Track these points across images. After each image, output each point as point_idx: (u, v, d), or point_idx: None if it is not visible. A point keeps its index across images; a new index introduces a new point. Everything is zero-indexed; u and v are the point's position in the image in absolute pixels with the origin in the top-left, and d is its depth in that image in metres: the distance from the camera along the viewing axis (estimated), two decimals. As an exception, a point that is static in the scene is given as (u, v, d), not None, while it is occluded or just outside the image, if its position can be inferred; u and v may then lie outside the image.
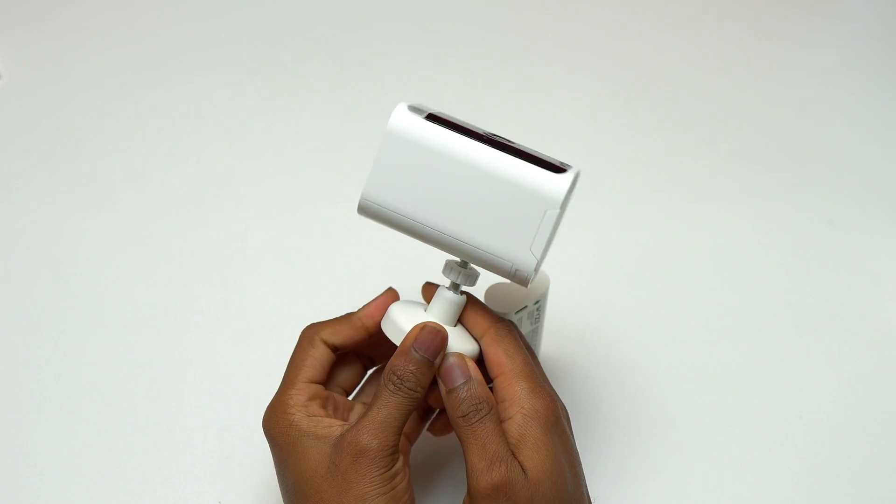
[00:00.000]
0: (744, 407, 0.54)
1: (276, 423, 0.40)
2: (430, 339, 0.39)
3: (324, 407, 0.41)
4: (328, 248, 0.64)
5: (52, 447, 0.51)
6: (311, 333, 0.42)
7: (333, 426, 0.39)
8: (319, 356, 0.41)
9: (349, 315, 0.43)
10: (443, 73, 0.81)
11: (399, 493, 0.38)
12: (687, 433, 0.53)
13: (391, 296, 0.43)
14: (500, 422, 0.38)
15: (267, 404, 0.41)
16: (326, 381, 0.42)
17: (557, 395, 0.40)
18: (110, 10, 0.88)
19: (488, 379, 0.41)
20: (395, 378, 0.38)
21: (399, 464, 0.38)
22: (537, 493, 0.37)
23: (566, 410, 0.41)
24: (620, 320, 0.59)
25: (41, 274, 0.62)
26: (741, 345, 0.58)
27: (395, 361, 0.39)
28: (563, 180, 0.37)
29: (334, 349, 0.42)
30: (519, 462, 0.37)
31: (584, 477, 0.41)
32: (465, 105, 0.78)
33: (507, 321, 0.41)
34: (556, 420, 0.39)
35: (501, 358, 0.39)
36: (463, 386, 0.38)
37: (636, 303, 0.60)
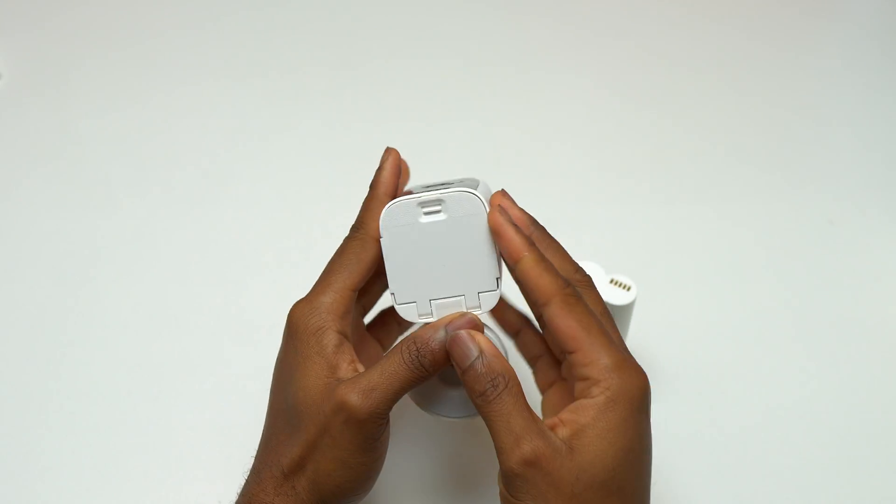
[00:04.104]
0: (743, 407, 0.54)
1: (307, 317, 0.38)
2: (465, 327, 0.37)
3: (352, 323, 0.39)
4: (329, 247, 0.63)
5: (52, 447, 0.51)
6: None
7: (347, 364, 0.37)
8: (366, 269, 0.39)
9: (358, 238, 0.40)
10: (443, 75, 0.81)
11: (378, 460, 0.37)
12: (686, 433, 0.53)
13: (395, 156, 0.41)
14: (523, 395, 0.35)
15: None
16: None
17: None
18: (110, 11, 0.88)
19: (532, 352, 0.39)
20: (414, 349, 0.36)
21: (382, 435, 0.37)
22: (584, 474, 0.33)
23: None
24: (620, 320, 0.59)
25: (41, 274, 0.62)
26: (741, 344, 0.58)
27: (421, 332, 0.37)
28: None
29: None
30: (571, 447, 0.34)
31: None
32: (465, 106, 0.78)
33: (572, 285, 0.36)
34: (643, 401, 0.35)
35: (575, 330, 0.35)
36: (476, 361, 0.35)
37: (636, 302, 0.60)
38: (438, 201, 0.37)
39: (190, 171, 0.70)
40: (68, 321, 0.59)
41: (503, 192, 0.39)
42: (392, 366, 0.36)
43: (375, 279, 0.43)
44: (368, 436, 0.36)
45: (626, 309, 0.50)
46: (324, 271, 0.40)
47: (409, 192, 0.40)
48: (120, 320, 0.59)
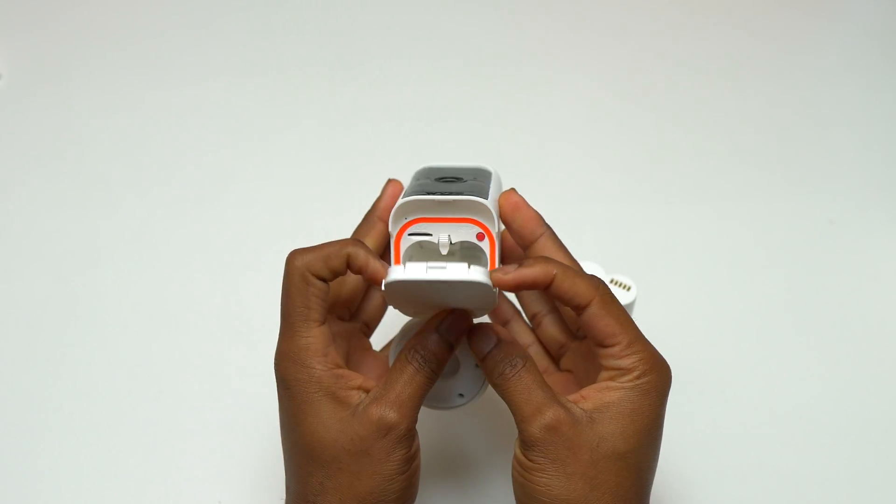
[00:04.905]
0: (743, 407, 0.54)
1: (292, 372, 0.37)
2: (457, 325, 0.39)
3: (338, 353, 0.39)
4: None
5: (52, 447, 0.51)
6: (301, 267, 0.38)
7: (353, 389, 0.38)
8: (320, 293, 0.38)
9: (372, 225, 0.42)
10: (442, 75, 0.81)
11: (414, 472, 0.38)
12: (686, 433, 0.53)
13: (396, 186, 0.42)
14: (540, 373, 0.37)
15: (276, 351, 0.39)
16: (353, 315, 0.43)
17: None
18: (110, 11, 0.88)
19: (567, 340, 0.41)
20: (420, 357, 0.38)
21: (416, 443, 0.38)
22: (605, 443, 0.36)
23: None
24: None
25: (41, 274, 0.62)
26: (741, 344, 0.58)
27: (419, 339, 0.38)
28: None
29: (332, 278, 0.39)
30: (592, 418, 0.36)
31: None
32: (465, 106, 0.78)
33: (604, 284, 0.38)
34: (667, 392, 0.37)
35: (613, 327, 0.37)
36: (494, 349, 0.38)
37: (636, 302, 0.60)
38: (446, 280, 0.37)
39: (190, 171, 0.70)
40: (68, 321, 0.59)
41: (514, 191, 0.41)
42: (407, 375, 0.38)
43: (371, 296, 0.44)
44: (406, 446, 0.37)
45: (626, 309, 0.50)
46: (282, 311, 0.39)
47: (424, 180, 0.41)
48: (120, 320, 0.59)
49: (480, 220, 0.38)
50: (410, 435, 0.37)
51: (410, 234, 0.39)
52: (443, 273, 0.36)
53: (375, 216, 0.42)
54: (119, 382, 0.55)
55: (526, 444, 0.36)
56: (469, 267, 0.36)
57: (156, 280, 0.61)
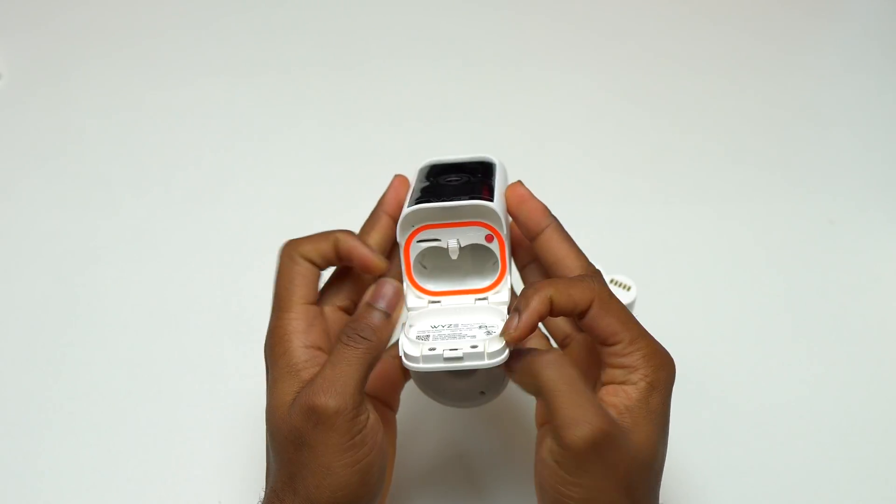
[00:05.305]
0: (743, 407, 0.54)
1: (271, 346, 0.38)
2: (387, 293, 0.39)
3: (325, 333, 0.39)
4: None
5: (52, 447, 0.51)
6: (290, 250, 0.40)
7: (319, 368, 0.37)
8: (307, 273, 0.40)
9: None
10: (442, 75, 0.81)
11: (369, 457, 0.35)
12: (685, 433, 0.52)
13: (403, 182, 0.42)
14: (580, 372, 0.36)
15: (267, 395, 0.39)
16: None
17: None
18: (110, 11, 0.88)
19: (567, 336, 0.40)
20: (352, 331, 0.37)
21: (368, 423, 0.36)
22: (639, 455, 0.35)
23: None
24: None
25: (41, 274, 0.62)
26: (741, 344, 0.58)
27: (357, 316, 0.38)
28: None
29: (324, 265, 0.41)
30: (625, 428, 0.35)
31: None
32: (465, 106, 0.78)
33: (600, 280, 0.38)
34: (672, 384, 0.37)
35: (614, 326, 0.37)
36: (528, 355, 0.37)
37: (636, 302, 0.60)
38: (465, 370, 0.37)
39: (190, 171, 0.70)
40: (68, 321, 0.59)
41: (520, 183, 0.41)
42: (340, 354, 0.36)
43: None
44: (345, 432, 0.35)
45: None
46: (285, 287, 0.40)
47: (430, 181, 0.41)
48: (120, 320, 0.59)
49: (488, 223, 0.39)
50: (344, 418, 0.35)
51: (419, 242, 0.39)
52: (459, 364, 0.36)
53: (381, 211, 0.42)
54: (119, 382, 0.55)
55: (564, 455, 0.34)
56: (484, 342, 0.36)
57: (156, 280, 0.61)
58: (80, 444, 0.51)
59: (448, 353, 0.36)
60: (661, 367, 0.37)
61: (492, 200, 0.38)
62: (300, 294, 0.39)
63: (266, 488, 0.38)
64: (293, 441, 0.35)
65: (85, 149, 0.73)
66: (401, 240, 0.39)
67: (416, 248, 0.39)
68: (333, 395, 0.35)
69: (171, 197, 0.68)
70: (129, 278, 0.62)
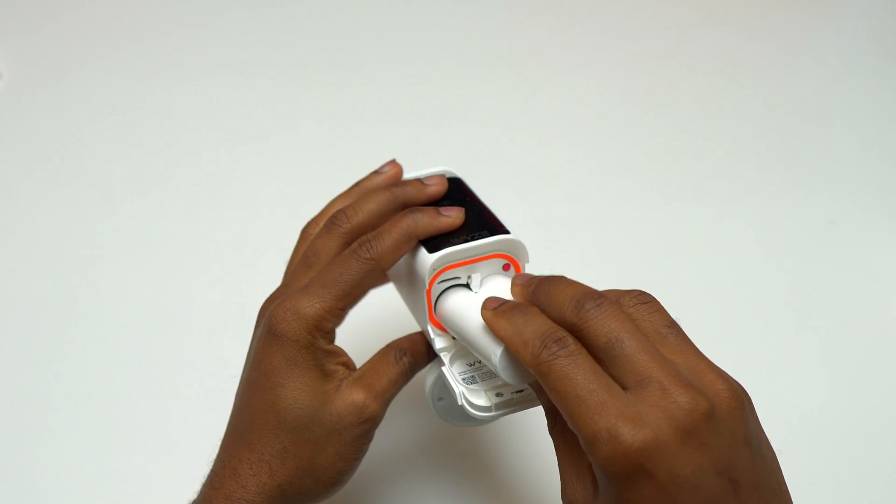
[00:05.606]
0: (744, 407, 0.54)
1: (297, 331, 0.37)
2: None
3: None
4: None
5: (52, 447, 0.51)
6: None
7: (339, 365, 0.38)
8: (369, 286, 0.39)
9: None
10: (442, 75, 0.81)
11: (361, 459, 0.38)
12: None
13: (397, 169, 0.44)
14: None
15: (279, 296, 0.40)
16: None
17: (709, 388, 0.30)
18: (110, 11, 0.88)
19: None
20: (409, 361, 0.40)
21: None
22: (680, 471, 0.28)
23: (732, 401, 0.30)
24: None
25: (41, 274, 0.62)
26: (741, 344, 0.58)
27: (412, 344, 0.40)
28: (431, 258, 0.38)
29: None
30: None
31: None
32: (463, 107, 0.78)
33: (545, 341, 0.31)
34: (694, 424, 0.29)
35: (552, 402, 0.30)
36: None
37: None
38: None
39: (190, 171, 0.70)
40: (68, 321, 0.59)
41: (519, 275, 0.38)
42: (395, 374, 0.39)
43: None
44: (371, 438, 0.39)
45: None
46: (320, 273, 0.39)
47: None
48: (119, 320, 0.59)
49: (508, 254, 0.39)
50: (379, 422, 0.38)
51: (440, 283, 0.39)
52: (533, 404, 0.37)
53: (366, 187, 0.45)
54: (119, 382, 0.55)
55: (602, 476, 0.29)
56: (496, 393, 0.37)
57: (156, 280, 0.61)
58: (80, 444, 0.51)
59: (517, 398, 0.37)
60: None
61: (509, 232, 0.39)
62: (344, 301, 0.38)
63: (237, 457, 0.39)
64: (325, 424, 0.37)
65: (85, 149, 0.73)
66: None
67: (437, 290, 0.39)
68: (383, 407, 0.38)
69: (170, 197, 0.68)
70: (128, 278, 0.62)
